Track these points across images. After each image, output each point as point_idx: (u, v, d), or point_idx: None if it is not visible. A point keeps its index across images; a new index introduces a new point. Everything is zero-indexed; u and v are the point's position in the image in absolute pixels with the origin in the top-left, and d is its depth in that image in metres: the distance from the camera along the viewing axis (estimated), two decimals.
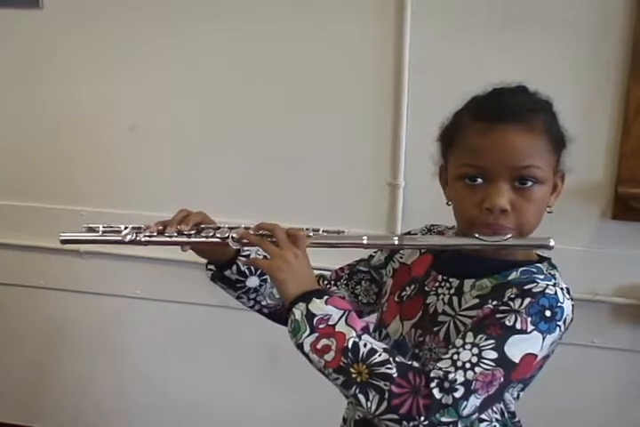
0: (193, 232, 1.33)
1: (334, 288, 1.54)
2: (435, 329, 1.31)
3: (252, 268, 1.44)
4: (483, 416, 1.28)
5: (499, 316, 1.18)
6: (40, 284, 2.78)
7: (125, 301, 2.72)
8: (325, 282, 1.55)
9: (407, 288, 1.41)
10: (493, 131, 1.23)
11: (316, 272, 1.32)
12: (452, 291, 1.32)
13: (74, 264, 2.69)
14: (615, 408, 2.38)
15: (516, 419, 1.39)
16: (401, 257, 1.48)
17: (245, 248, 1.42)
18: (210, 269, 1.45)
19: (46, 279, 2.77)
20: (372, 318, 1.48)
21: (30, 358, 2.92)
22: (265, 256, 1.32)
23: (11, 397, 2.97)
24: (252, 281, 1.45)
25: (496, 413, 1.33)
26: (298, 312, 1.18)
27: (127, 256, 2.57)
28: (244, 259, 1.43)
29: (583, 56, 2.13)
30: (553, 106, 1.32)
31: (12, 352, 2.92)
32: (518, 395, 1.36)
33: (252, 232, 1.31)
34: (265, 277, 1.46)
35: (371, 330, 1.24)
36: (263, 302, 1.49)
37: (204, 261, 1.46)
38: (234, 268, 1.43)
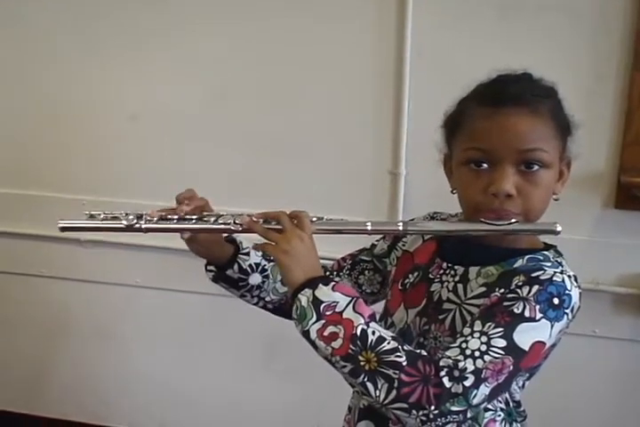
0: (194, 218, 1.31)
1: (337, 278, 1.52)
2: (440, 317, 1.30)
3: (254, 265, 1.43)
4: (488, 406, 1.27)
5: (507, 304, 1.17)
6: (41, 272, 2.79)
7: (126, 289, 2.72)
8: (327, 273, 1.53)
9: (410, 276, 1.41)
10: (498, 114, 1.23)
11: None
12: (457, 278, 1.32)
13: (74, 253, 2.69)
14: (616, 398, 2.38)
15: (521, 408, 1.38)
16: (403, 245, 1.47)
17: (245, 245, 1.41)
18: (210, 271, 1.43)
19: (47, 268, 2.77)
20: (377, 308, 1.47)
21: (32, 346, 2.92)
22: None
23: (13, 386, 2.98)
24: (255, 278, 1.44)
25: (501, 402, 1.33)
26: (304, 298, 1.17)
27: (128, 245, 2.57)
28: (244, 256, 1.42)
29: (584, 44, 2.13)
30: (558, 93, 1.31)
31: (13, 341, 2.92)
32: (524, 384, 1.35)
33: (255, 219, 1.29)
34: (267, 273, 1.45)
35: (377, 319, 1.23)
36: (267, 298, 1.48)
37: None
38: (235, 267, 1.41)
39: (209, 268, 1.43)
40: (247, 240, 1.42)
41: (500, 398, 1.31)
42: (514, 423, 1.36)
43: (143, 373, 2.82)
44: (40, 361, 2.94)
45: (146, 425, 2.88)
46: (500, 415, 1.33)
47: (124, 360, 2.83)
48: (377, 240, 1.54)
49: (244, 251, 1.42)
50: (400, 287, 1.42)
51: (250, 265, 1.43)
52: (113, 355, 2.83)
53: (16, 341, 2.92)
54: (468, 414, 1.13)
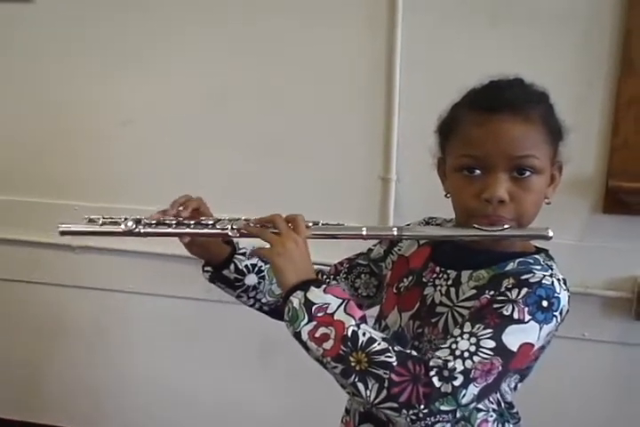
0: (192, 222, 1.33)
1: (334, 282, 1.54)
2: (433, 320, 1.32)
3: (250, 266, 1.45)
4: (480, 406, 1.29)
5: (496, 306, 1.19)
6: (33, 278, 2.78)
7: (118, 295, 2.72)
8: (324, 277, 1.55)
9: (405, 280, 1.42)
10: (491, 122, 1.24)
11: (315, 267, 1.33)
12: (450, 282, 1.33)
13: (66, 259, 2.69)
14: (606, 400, 2.39)
15: (514, 410, 1.40)
16: (399, 249, 1.49)
17: (241, 246, 1.44)
18: (207, 271, 1.45)
19: (39, 274, 2.77)
20: (372, 313, 1.48)
21: (26, 353, 2.92)
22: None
23: (8, 392, 2.97)
24: (251, 279, 1.46)
25: (492, 403, 1.34)
26: (296, 301, 1.19)
27: (120, 251, 2.58)
28: (240, 257, 1.44)
29: (574, 49, 2.14)
30: (549, 98, 1.33)
31: (6, 347, 2.92)
32: (516, 386, 1.37)
33: (252, 224, 1.32)
34: (263, 273, 1.47)
35: (370, 322, 1.25)
36: (263, 300, 1.50)
37: None
38: (231, 267, 1.43)
39: (206, 268, 1.46)
40: (244, 242, 1.43)
41: (491, 399, 1.33)
42: (506, 424, 1.37)
43: (139, 377, 2.81)
44: (33, 367, 2.93)
45: None
46: (492, 416, 1.34)
47: (120, 365, 2.82)
48: (374, 245, 1.56)
49: (241, 251, 1.44)
50: (395, 291, 1.43)
51: (246, 266, 1.45)
52: (107, 361, 2.83)
53: (8, 347, 2.92)
54: (457, 414, 1.14)
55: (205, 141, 2.51)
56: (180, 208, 1.34)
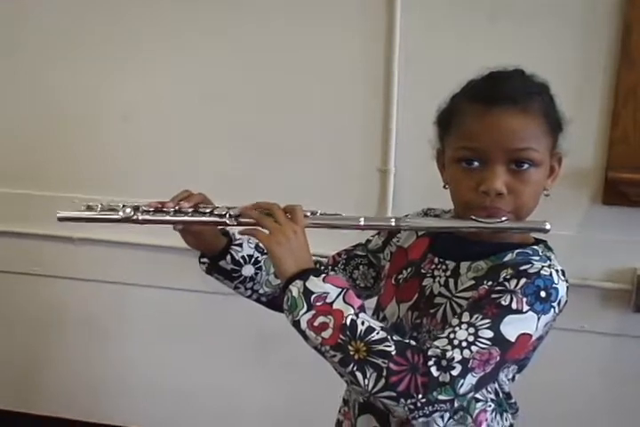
0: (190, 210, 1.33)
1: (332, 273, 1.52)
2: (431, 311, 1.32)
3: (246, 256, 1.44)
4: (478, 396, 1.29)
5: (494, 296, 1.19)
6: (33, 271, 2.78)
7: (117, 287, 2.72)
8: (322, 267, 1.54)
9: (404, 271, 1.42)
10: (490, 114, 1.24)
11: (313, 258, 1.32)
12: (449, 273, 1.33)
13: (66, 251, 2.69)
14: (604, 392, 2.40)
15: (512, 400, 1.40)
16: (398, 240, 1.49)
17: (237, 237, 1.43)
18: (203, 262, 1.45)
19: (39, 266, 2.77)
20: (370, 305, 1.49)
21: (24, 344, 2.92)
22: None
23: (4, 383, 2.97)
24: (248, 270, 1.45)
25: (490, 393, 1.34)
26: (295, 289, 1.19)
27: (119, 243, 2.58)
28: (236, 247, 1.43)
29: (573, 43, 2.14)
30: (549, 89, 1.32)
31: (5, 339, 2.92)
32: (514, 376, 1.37)
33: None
34: (259, 264, 1.46)
35: (368, 312, 1.25)
36: (261, 291, 1.49)
37: None
38: (228, 257, 1.42)
39: (202, 260, 1.45)
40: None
41: (489, 389, 1.33)
42: (504, 414, 1.38)
43: (136, 369, 2.82)
44: (32, 359, 2.94)
45: (139, 422, 2.88)
46: (490, 406, 1.34)
47: (117, 357, 2.83)
48: (372, 236, 1.56)
49: (237, 242, 1.44)
50: (393, 282, 1.43)
51: (242, 257, 1.44)
52: (105, 352, 2.83)
53: (7, 339, 2.92)
54: (455, 404, 1.15)
55: (204, 134, 2.51)
56: (182, 202, 1.34)
